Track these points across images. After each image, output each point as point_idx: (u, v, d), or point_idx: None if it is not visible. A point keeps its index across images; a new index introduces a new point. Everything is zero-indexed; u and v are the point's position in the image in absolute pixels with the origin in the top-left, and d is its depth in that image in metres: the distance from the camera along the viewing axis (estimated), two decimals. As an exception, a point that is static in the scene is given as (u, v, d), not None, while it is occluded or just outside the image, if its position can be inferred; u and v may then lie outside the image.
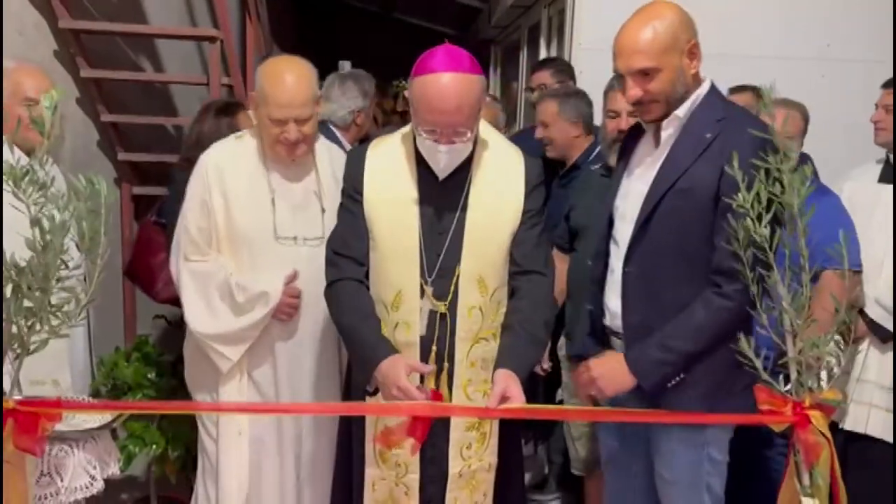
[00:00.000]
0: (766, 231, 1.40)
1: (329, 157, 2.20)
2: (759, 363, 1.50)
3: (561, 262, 2.44)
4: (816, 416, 1.54)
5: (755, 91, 2.91)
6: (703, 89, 1.79)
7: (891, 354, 2.52)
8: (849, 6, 3.58)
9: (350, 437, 2.00)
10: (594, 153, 2.77)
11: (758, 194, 1.38)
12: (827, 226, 2.33)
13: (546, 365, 2.66)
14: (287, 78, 2.01)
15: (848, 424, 2.61)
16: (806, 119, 2.60)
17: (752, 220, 1.39)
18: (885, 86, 2.69)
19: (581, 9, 3.59)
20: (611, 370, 1.80)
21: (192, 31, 4.18)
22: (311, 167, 2.17)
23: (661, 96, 1.73)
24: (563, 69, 3.27)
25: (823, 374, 2.35)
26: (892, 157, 2.66)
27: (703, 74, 1.82)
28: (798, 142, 2.56)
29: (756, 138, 1.57)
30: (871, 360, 2.59)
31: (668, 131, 1.80)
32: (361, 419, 1.95)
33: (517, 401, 1.66)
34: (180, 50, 4.36)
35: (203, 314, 2.09)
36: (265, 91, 2.02)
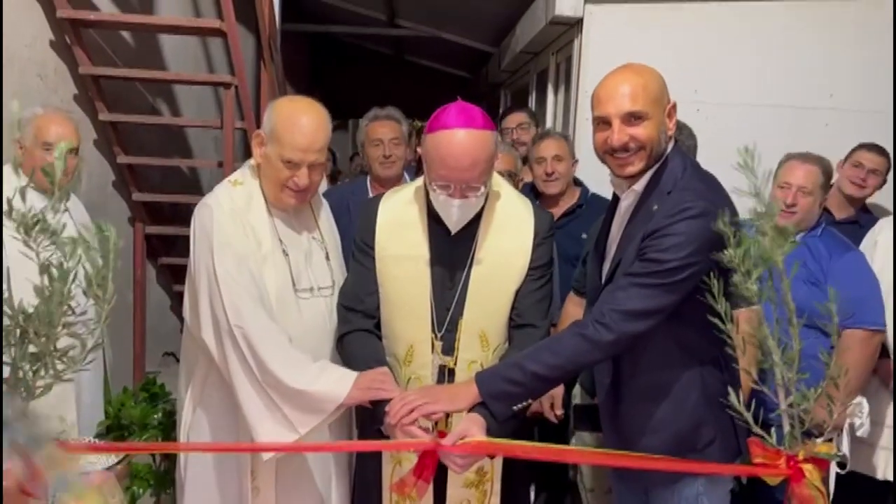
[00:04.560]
0: (755, 287, 1.41)
1: (319, 200, 2.16)
2: (749, 417, 1.51)
3: (576, 307, 2.45)
4: (810, 470, 1.54)
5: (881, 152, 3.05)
6: (667, 152, 1.75)
7: None
8: (852, 57, 3.63)
9: (364, 486, 2.03)
10: (589, 193, 2.97)
11: (746, 251, 1.40)
12: (848, 284, 2.36)
13: (559, 412, 2.67)
14: (305, 120, 1.90)
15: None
16: (827, 174, 2.59)
17: (741, 275, 1.41)
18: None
19: (587, 57, 3.70)
20: (454, 386, 1.80)
21: (208, 77, 4.30)
22: (309, 213, 2.09)
23: (647, 144, 1.69)
24: (535, 114, 3.55)
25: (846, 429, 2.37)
26: None
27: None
28: (818, 196, 2.55)
29: (687, 210, 1.61)
30: None
31: (627, 202, 1.79)
32: (376, 468, 1.98)
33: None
34: (196, 93, 4.49)
35: (283, 363, 1.82)
36: (279, 131, 1.89)
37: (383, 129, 2.91)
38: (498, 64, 6.22)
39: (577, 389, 2.70)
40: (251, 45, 4.86)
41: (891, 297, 2.59)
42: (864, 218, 3.11)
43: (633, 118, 1.68)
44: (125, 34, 3.74)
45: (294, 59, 7.66)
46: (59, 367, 1.40)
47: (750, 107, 3.61)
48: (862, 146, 3.13)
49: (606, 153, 1.74)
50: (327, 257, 2.09)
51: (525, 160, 3.11)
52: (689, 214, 1.62)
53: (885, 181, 3.12)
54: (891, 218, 2.92)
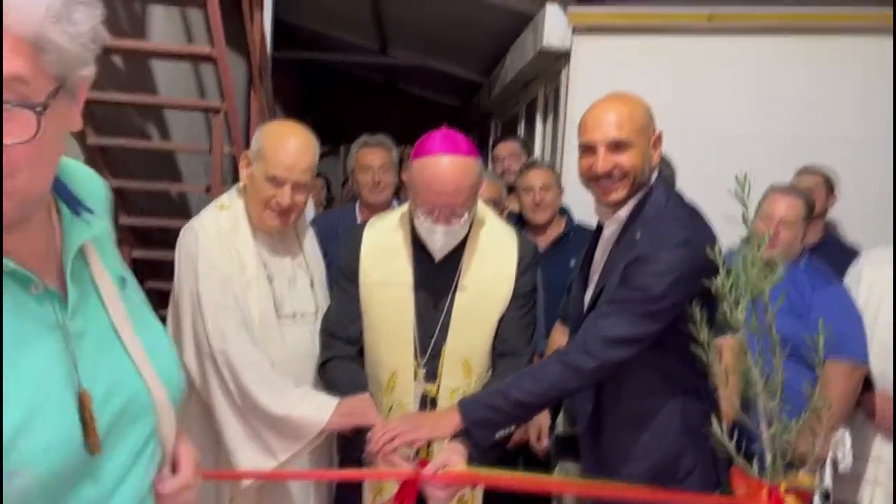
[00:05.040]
0: (743, 317, 1.42)
1: (304, 226, 2.17)
2: (731, 447, 1.50)
3: (562, 336, 2.44)
4: (792, 501, 1.54)
5: (822, 175, 3.05)
6: (650, 182, 1.77)
7: None
8: (832, 88, 3.69)
9: None
10: (574, 222, 3.00)
11: (734, 280, 1.41)
12: (831, 316, 2.36)
13: (546, 443, 2.64)
14: (292, 140, 1.92)
15: None
16: (809, 206, 2.56)
17: (729, 305, 1.41)
18: None
19: (574, 87, 3.75)
20: (437, 413, 1.79)
21: (197, 102, 4.31)
22: (294, 238, 2.08)
23: (632, 172, 1.70)
24: (526, 143, 3.63)
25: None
26: None
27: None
28: (800, 229, 2.53)
29: (670, 238, 1.62)
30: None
31: (610, 230, 1.80)
32: (357, 497, 1.96)
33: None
34: (187, 118, 4.49)
35: (264, 389, 1.81)
36: (265, 150, 1.90)
37: (373, 156, 2.94)
38: (488, 94, 6.28)
39: (560, 418, 2.68)
40: (243, 71, 4.88)
41: (886, 329, 2.61)
42: (830, 240, 3.12)
43: (618, 146, 1.70)
44: (116, 58, 3.76)
45: (286, 86, 7.70)
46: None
47: (736, 138, 3.65)
48: (798, 172, 3.10)
49: (591, 180, 1.75)
50: (311, 284, 2.08)
51: (511, 189, 3.13)
52: (672, 243, 1.63)
53: (832, 197, 3.07)
54: (874, 251, 2.93)
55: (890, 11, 3.62)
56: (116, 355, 0.94)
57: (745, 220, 1.50)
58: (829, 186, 3.08)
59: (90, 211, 0.97)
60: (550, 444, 2.55)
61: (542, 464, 2.75)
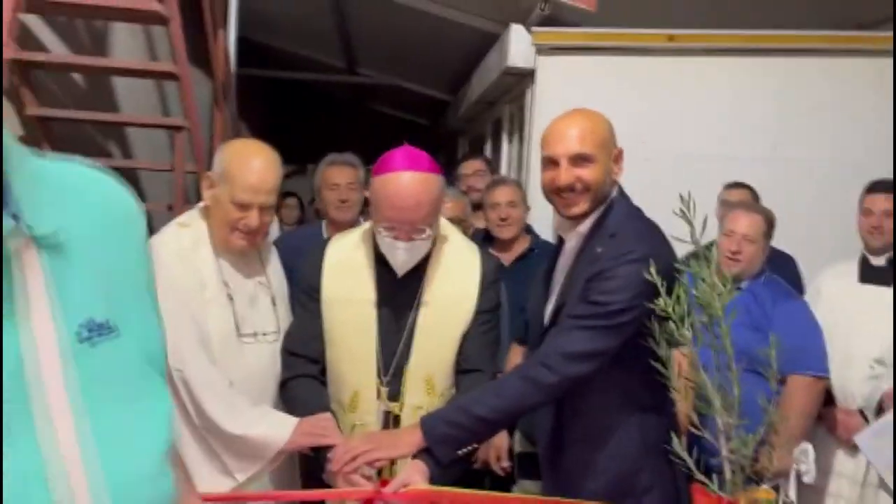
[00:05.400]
0: (689, 334, 1.43)
1: (266, 245, 2.14)
2: (691, 463, 1.50)
3: (517, 356, 2.45)
4: (751, 516, 1.54)
5: (749, 189, 3.16)
6: (612, 197, 1.79)
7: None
8: (793, 109, 3.77)
9: None
10: (539, 239, 3.01)
11: (678, 298, 1.42)
12: (791, 331, 2.41)
13: (505, 464, 2.62)
14: (256, 161, 1.89)
15: None
16: (770, 223, 2.67)
17: (674, 322, 1.42)
18: (873, 190, 2.78)
19: (539, 106, 3.78)
20: (398, 432, 1.78)
21: (159, 119, 4.27)
22: (256, 257, 2.06)
23: (593, 185, 1.72)
24: (490, 161, 3.65)
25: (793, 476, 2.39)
26: (868, 256, 2.75)
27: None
28: (761, 244, 2.61)
29: (629, 253, 1.63)
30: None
31: (571, 243, 1.81)
32: None
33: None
34: (151, 136, 4.44)
35: (221, 408, 1.78)
36: (230, 172, 1.87)
37: (340, 174, 2.93)
38: (455, 112, 6.31)
39: (517, 436, 2.67)
40: (207, 90, 4.85)
41: (844, 344, 2.65)
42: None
43: (580, 160, 1.71)
44: (77, 76, 3.71)
45: (253, 104, 7.66)
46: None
47: (697, 157, 3.71)
48: (727, 186, 3.23)
49: (553, 193, 1.76)
50: (273, 302, 2.05)
51: (476, 207, 3.13)
52: (631, 258, 1.64)
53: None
54: (834, 266, 2.98)
55: (849, 34, 3.73)
56: (21, 436, 0.64)
57: (691, 238, 1.51)
58: (756, 199, 3.17)
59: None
60: (514, 462, 2.54)
61: (509, 482, 2.74)
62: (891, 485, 2.36)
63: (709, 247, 1.59)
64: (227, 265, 1.97)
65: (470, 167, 3.57)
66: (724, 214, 3.05)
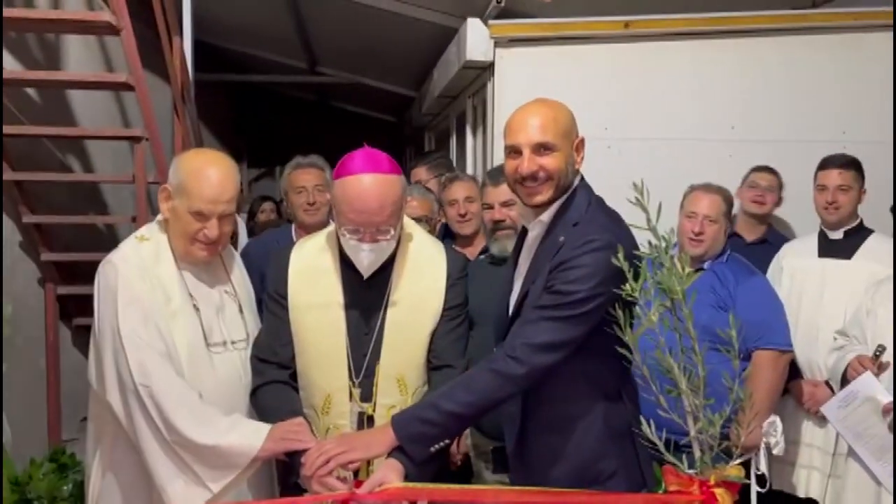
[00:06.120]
0: (655, 318, 1.45)
1: (230, 253, 2.14)
2: (661, 444, 1.53)
3: None
4: (722, 494, 1.57)
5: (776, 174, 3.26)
6: (574, 185, 1.80)
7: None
8: (757, 90, 3.82)
9: None
10: None
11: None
12: (755, 307, 2.46)
13: (458, 457, 2.62)
14: (213, 171, 1.88)
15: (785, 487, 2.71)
16: (728, 202, 2.72)
17: (640, 307, 1.44)
18: (825, 166, 2.85)
19: (500, 99, 3.79)
20: (371, 432, 1.78)
21: (117, 131, 4.22)
22: (220, 266, 2.05)
23: (556, 174, 1.74)
24: (440, 164, 3.57)
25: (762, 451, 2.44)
26: (826, 231, 2.82)
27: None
28: (722, 224, 2.66)
29: (592, 242, 1.65)
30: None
31: (535, 232, 1.83)
32: None
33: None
34: (112, 148, 4.38)
35: (191, 420, 1.76)
36: (187, 184, 1.86)
37: (307, 177, 2.94)
38: (419, 108, 6.31)
39: (468, 429, 2.65)
40: (168, 97, 4.79)
41: (808, 318, 2.71)
42: (772, 236, 3.27)
43: (542, 148, 1.73)
44: (31, 91, 3.64)
45: (216, 109, 7.59)
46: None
47: (658, 141, 3.74)
48: (754, 169, 3.32)
49: (516, 182, 1.78)
50: (240, 310, 2.05)
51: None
52: (594, 246, 1.66)
53: (780, 197, 3.30)
54: (793, 242, 3.06)
55: (803, 12, 3.79)
56: None
57: (647, 224, 1.53)
58: (781, 186, 3.26)
59: None
60: (475, 456, 2.54)
61: (460, 476, 2.73)
62: (862, 454, 2.42)
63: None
64: (190, 276, 1.96)
65: (415, 176, 3.53)
66: (751, 196, 3.13)
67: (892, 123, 3.43)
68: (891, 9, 3.60)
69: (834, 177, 2.79)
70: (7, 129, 3.22)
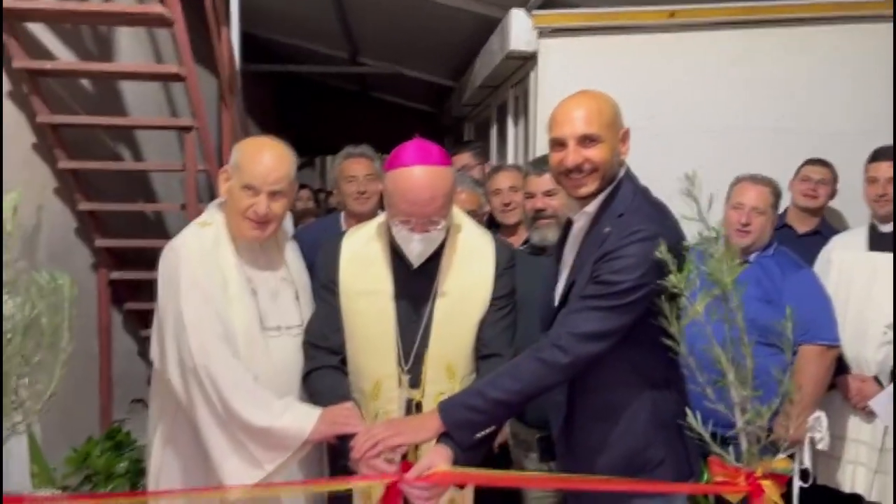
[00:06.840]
0: (701, 309, 1.46)
1: (286, 239, 2.18)
2: (707, 436, 1.54)
3: None
4: (769, 486, 1.58)
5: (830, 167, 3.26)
6: (619, 176, 1.80)
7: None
8: (804, 79, 3.76)
9: None
10: None
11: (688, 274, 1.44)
12: (802, 301, 2.43)
13: (498, 442, 2.62)
14: (266, 151, 1.97)
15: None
16: (776, 194, 2.69)
17: (686, 298, 1.45)
18: (876, 158, 2.80)
19: (543, 89, 3.78)
20: (418, 417, 1.82)
21: (167, 121, 4.31)
22: (278, 252, 2.10)
23: (601, 166, 1.73)
24: (481, 152, 3.59)
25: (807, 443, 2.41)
26: (876, 224, 2.78)
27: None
28: (770, 216, 2.63)
29: (637, 232, 1.65)
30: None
31: (580, 223, 1.83)
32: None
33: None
34: (160, 137, 4.49)
35: (246, 402, 1.82)
36: (241, 162, 1.95)
37: (358, 166, 2.97)
38: (460, 98, 6.31)
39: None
40: (214, 87, 4.88)
41: (857, 312, 2.67)
42: (825, 228, 3.23)
43: (587, 140, 1.73)
44: (85, 81, 3.75)
45: (260, 100, 7.69)
46: (17, 418, 1.38)
47: (703, 131, 3.70)
48: (807, 162, 3.30)
49: (561, 174, 1.79)
50: (296, 296, 2.09)
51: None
52: (640, 237, 1.66)
53: (834, 191, 3.29)
54: (842, 235, 3.01)
55: (843, 1, 3.71)
56: None
57: (697, 215, 1.53)
58: (835, 179, 3.25)
59: None
60: (520, 444, 2.56)
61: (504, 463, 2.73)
62: None
63: None
64: (247, 261, 2.02)
65: (458, 162, 3.53)
66: (802, 190, 3.10)
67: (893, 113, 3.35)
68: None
69: (885, 169, 2.73)
70: (63, 119, 3.32)
